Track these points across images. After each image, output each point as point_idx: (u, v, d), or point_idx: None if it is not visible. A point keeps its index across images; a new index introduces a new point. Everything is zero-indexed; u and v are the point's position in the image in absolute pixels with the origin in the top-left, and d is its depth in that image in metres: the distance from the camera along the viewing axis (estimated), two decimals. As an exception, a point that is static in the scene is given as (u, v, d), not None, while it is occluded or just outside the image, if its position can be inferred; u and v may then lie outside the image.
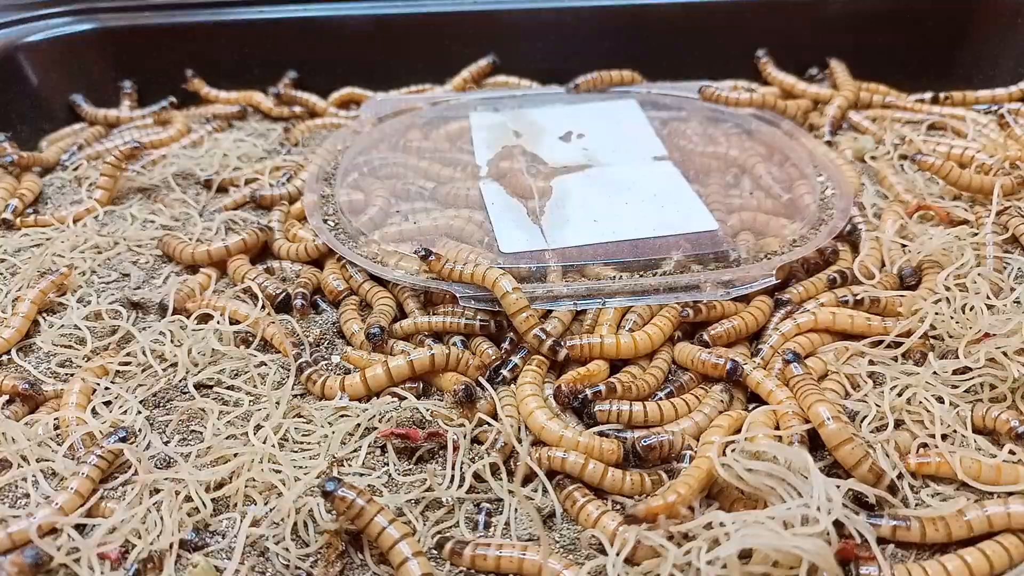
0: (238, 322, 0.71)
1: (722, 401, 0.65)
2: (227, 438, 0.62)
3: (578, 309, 0.73)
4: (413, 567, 0.51)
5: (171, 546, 0.54)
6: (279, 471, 0.59)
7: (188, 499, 0.57)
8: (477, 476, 0.60)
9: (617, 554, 0.52)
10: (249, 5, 1.13)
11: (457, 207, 0.85)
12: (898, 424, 0.63)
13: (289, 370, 0.68)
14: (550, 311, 0.72)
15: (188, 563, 0.54)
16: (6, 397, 0.65)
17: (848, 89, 1.07)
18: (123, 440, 0.61)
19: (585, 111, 1.03)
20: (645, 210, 0.82)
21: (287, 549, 0.54)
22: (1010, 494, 0.55)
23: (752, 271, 0.74)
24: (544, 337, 0.67)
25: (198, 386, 0.67)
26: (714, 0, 1.16)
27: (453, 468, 0.60)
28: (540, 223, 0.80)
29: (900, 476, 0.59)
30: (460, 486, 0.59)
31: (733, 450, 0.55)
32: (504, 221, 0.81)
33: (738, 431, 0.61)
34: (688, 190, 0.85)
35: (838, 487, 0.51)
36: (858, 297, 0.73)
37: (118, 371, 0.68)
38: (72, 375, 0.67)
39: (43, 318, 0.73)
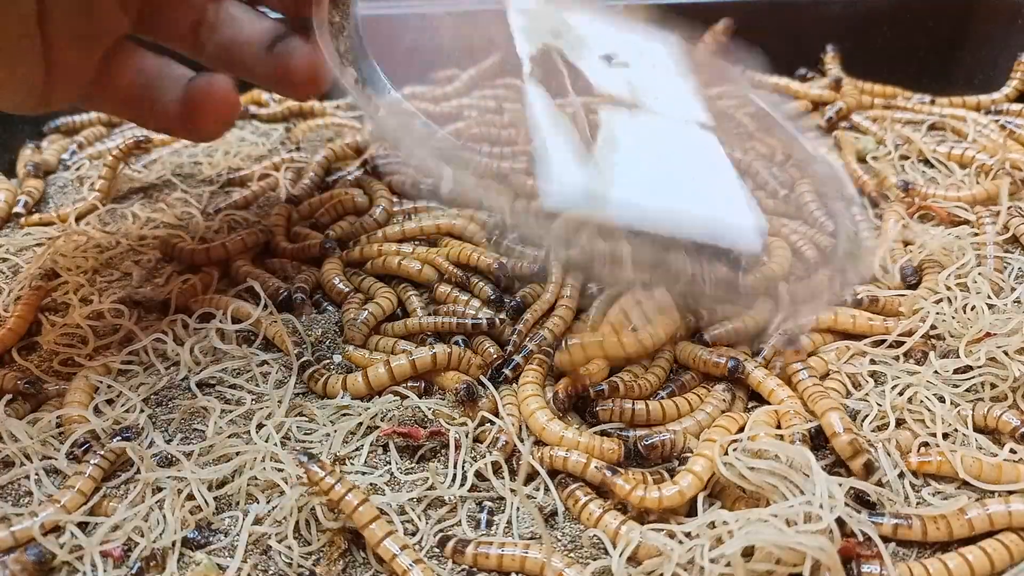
0: (240, 321, 0.71)
1: (724, 400, 0.65)
2: (229, 436, 0.62)
3: (578, 311, 0.73)
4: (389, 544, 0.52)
5: (173, 544, 0.54)
6: (281, 469, 0.59)
7: (190, 497, 0.57)
8: (479, 475, 0.60)
9: (620, 554, 0.52)
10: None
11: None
12: (899, 423, 0.63)
13: (291, 369, 0.68)
14: (551, 311, 0.72)
15: (190, 561, 0.54)
16: (8, 395, 0.65)
17: (851, 93, 1.07)
18: (125, 438, 0.61)
19: (625, 38, 0.82)
20: (693, 190, 0.68)
21: (289, 547, 0.54)
22: (1011, 493, 0.55)
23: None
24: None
25: (200, 385, 0.67)
26: (715, 0, 1.16)
27: (455, 467, 0.60)
28: (593, 162, 0.62)
29: (901, 475, 0.59)
30: (462, 485, 0.59)
31: (735, 449, 0.55)
32: (556, 148, 0.61)
33: (739, 430, 0.61)
34: (735, 179, 0.71)
35: (840, 485, 0.51)
36: (859, 297, 0.73)
37: (120, 369, 0.68)
38: (75, 374, 0.67)
39: (45, 317, 0.73)
